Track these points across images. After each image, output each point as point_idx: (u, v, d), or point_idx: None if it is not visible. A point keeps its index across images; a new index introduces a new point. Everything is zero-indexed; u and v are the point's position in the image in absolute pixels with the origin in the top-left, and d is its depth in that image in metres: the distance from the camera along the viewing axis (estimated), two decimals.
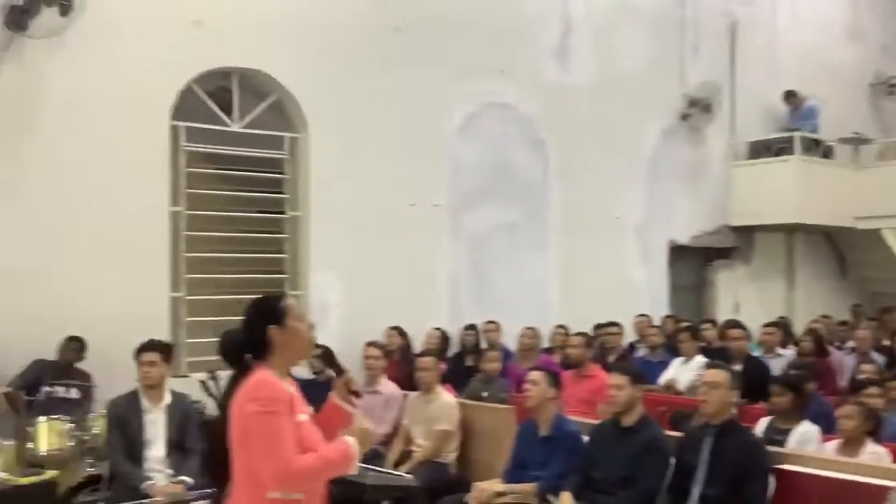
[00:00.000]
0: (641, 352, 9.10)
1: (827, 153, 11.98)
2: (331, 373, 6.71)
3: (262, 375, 2.79)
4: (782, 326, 9.54)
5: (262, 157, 8.19)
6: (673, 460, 4.58)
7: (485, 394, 7.25)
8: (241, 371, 2.84)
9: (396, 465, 5.98)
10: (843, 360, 8.60)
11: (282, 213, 8.31)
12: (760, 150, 11.84)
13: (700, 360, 7.54)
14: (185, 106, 7.62)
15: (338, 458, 2.83)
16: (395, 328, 8.35)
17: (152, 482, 4.91)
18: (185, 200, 7.62)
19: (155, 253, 7.31)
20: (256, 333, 2.84)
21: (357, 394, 3.15)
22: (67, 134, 6.87)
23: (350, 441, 2.87)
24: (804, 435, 4.99)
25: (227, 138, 7.94)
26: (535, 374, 5.24)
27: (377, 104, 8.58)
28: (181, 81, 7.52)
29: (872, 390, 5.40)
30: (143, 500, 4.62)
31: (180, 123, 7.58)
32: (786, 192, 11.31)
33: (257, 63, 7.93)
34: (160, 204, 7.38)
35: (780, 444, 4.88)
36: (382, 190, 8.63)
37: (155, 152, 7.33)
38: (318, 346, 6.04)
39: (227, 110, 7.97)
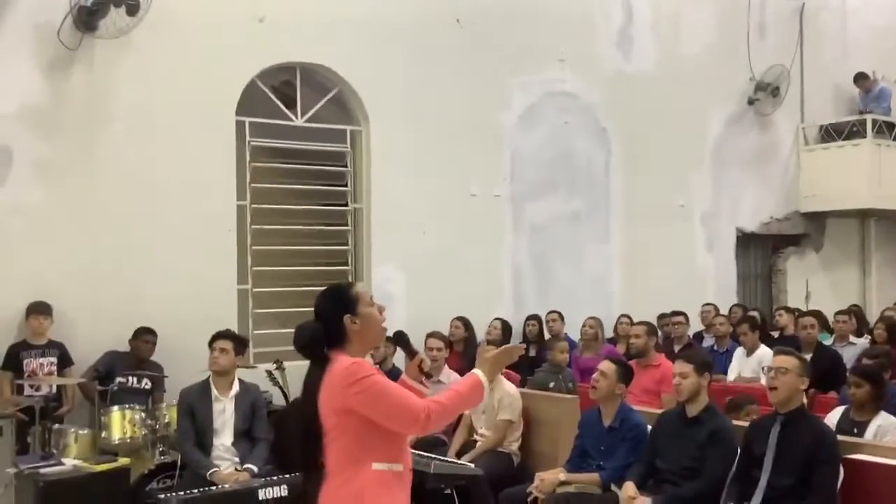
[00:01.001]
0: (707, 342, 8.96)
1: None
2: (391, 361, 6.85)
3: (348, 360, 2.89)
4: (855, 314, 9.30)
5: (324, 151, 8.30)
6: (739, 450, 4.50)
7: (552, 384, 7.23)
8: (321, 363, 2.90)
9: (459, 455, 5.99)
10: None
11: (344, 205, 8.39)
12: (831, 134, 11.52)
13: (763, 351, 7.40)
14: (250, 101, 7.74)
15: (469, 390, 2.96)
16: (460, 319, 8.37)
17: (218, 469, 5.02)
18: (251, 194, 7.76)
19: (223, 246, 7.44)
20: (332, 324, 2.92)
21: (429, 374, 3.22)
22: (136, 132, 7.05)
23: (478, 373, 3.00)
24: (882, 427, 4.83)
25: (290, 132, 8.05)
26: (607, 365, 5.15)
27: (437, 96, 8.60)
28: (245, 77, 7.64)
29: None
30: (209, 487, 4.72)
31: (245, 119, 7.71)
32: (858, 177, 11.02)
33: (319, 57, 8.02)
34: (228, 198, 7.52)
35: (858, 436, 4.74)
36: (443, 181, 8.65)
37: (221, 148, 7.47)
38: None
39: (291, 105, 8.08)
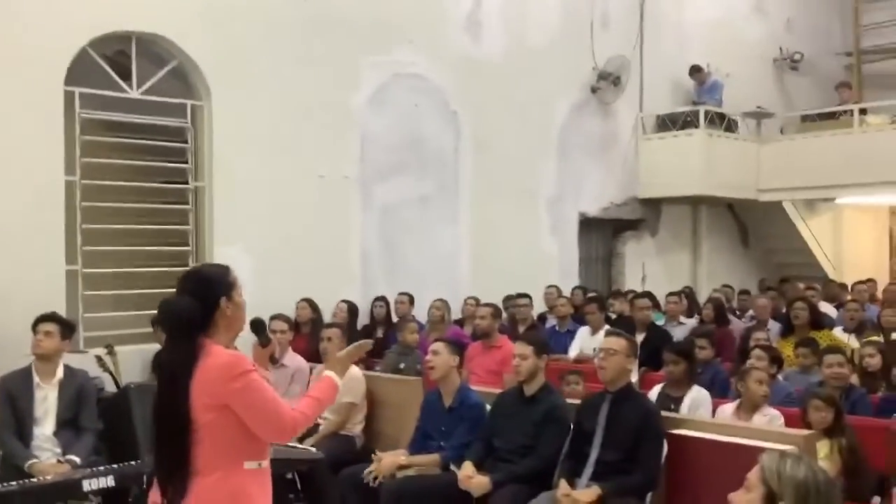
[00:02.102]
0: (550, 322, 9.23)
1: (731, 127, 12.27)
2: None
3: (227, 353, 2.80)
4: (686, 296, 9.83)
5: (162, 126, 7.92)
6: (572, 427, 4.65)
7: (402, 365, 7.26)
8: (192, 349, 2.76)
9: (302, 439, 5.91)
10: (742, 329, 8.86)
11: (185, 183, 8.07)
12: (667, 123, 12.05)
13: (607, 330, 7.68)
14: (81, 71, 7.30)
15: (326, 394, 3.01)
16: (306, 300, 8.23)
17: (37, 460, 4.76)
18: (81, 169, 7.33)
19: (49, 224, 7.00)
20: (207, 305, 2.80)
21: (274, 360, 3.29)
22: None
23: (330, 374, 3.04)
24: (695, 400, 5.14)
25: (125, 105, 7.63)
26: (437, 345, 5.24)
27: (284, 72, 8.39)
28: (76, 45, 7.18)
29: (759, 353, 5.62)
30: (28, 479, 4.44)
31: (75, 89, 7.27)
32: (691, 165, 11.56)
33: (157, 27, 7.64)
34: (55, 173, 7.07)
35: (675, 410, 5.01)
36: (290, 161, 8.46)
37: (48, 118, 6.99)
38: None
39: (126, 76, 7.67)
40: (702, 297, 10.68)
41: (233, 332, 2.93)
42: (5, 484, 4.30)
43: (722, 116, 12.10)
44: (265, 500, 2.88)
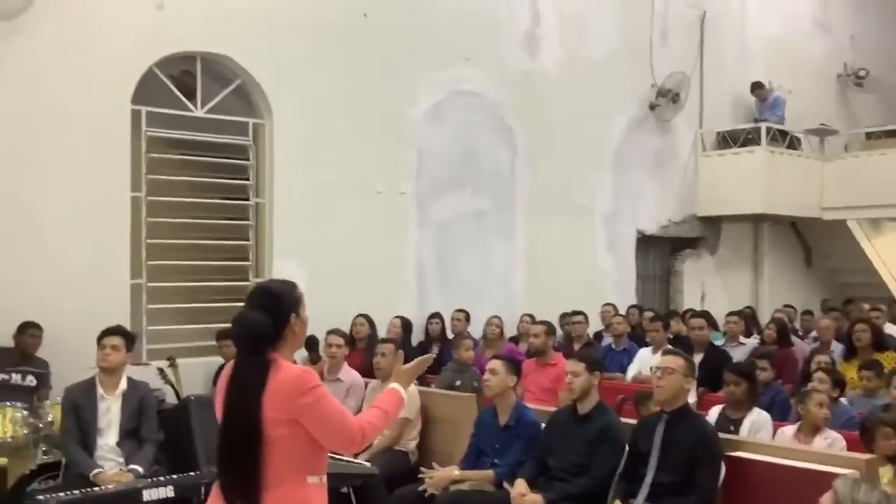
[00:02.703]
0: (606, 340, 9.14)
1: (794, 144, 12.07)
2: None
3: (297, 368, 2.88)
4: (746, 316, 9.64)
5: (225, 143, 8.12)
6: (627, 447, 4.60)
7: (458, 383, 7.24)
8: (263, 362, 2.81)
9: (357, 454, 5.94)
10: (805, 350, 8.67)
11: (245, 199, 8.23)
12: (728, 140, 11.90)
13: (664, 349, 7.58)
14: (147, 90, 7.52)
15: (393, 406, 3.04)
16: (363, 316, 8.27)
17: (102, 470, 4.86)
18: (147, 186, 7.53)
19: (116, 239, 7.22)
20: (279, 321, 2.84)
21: (321, 377, 3.19)
22: (27, 118, 6.78)
23: (397, 387, 3.07)
24: (755, 423, 5.04)
25: (189, 123, 7.86)
26: (495, 363, 5.22)
27: (343, 90, 8.53)
28: (143, 65, 7.42)
29: (821, 376, 5.48)
30: (92, 488, 4.55)
31: (142, 108, 7.49)
32: (753, 182, 11.40)
33: (220, 47, 7.85)
34: (121, 189, 7.29)
35: (734, 433, 4.92)
36: (348, 177, 8.58)
37: (116, 137, 7.24)
38: None
39: (191, 95, 7.88)
40: (763, 317, 10.49)
41: (296, 347, 2.98)
42: (68, 493, 4.43)
43: (784, 133, 11.91)
44: None
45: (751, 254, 12.64)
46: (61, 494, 4.39)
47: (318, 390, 2.80)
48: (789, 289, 12.49)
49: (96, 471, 4.84)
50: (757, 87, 12.21)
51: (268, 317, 2.84)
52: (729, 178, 11.54)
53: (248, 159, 8.23)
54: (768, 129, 11.58)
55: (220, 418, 2.87)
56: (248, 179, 8.24)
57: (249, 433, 2.76)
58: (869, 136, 12.77)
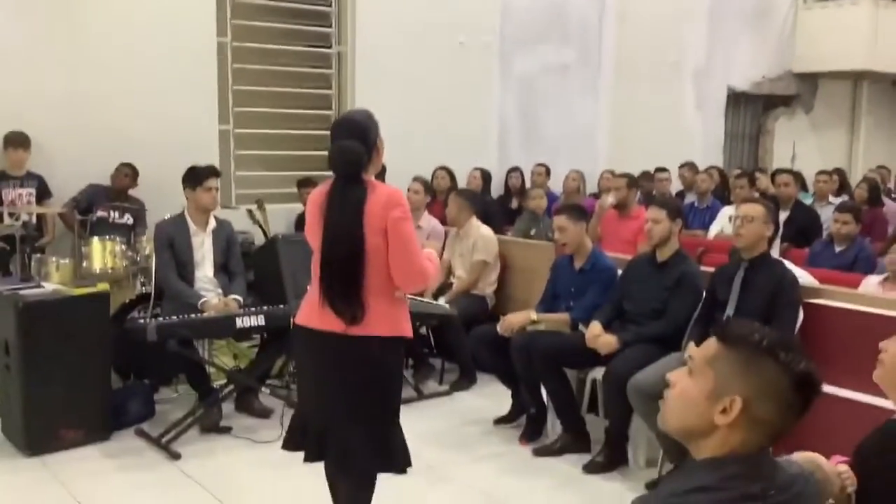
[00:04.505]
0: (689, 199, 9.01)
1: None
2: None
3: (390, 187, 3.13)
4: (837, 175, 9.34)
5: None
6: (704, 294, 4.60)
7: (532, 231, 7.31)
8: (360, 183, 3.06)
9: (436, 297, 6.12)
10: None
11: (328, 47, 8.21)
12: None
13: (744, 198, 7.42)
14: None
15: (433, 267, 3.27)
16: (444, 168, 8.31)
17: (207, 298, 5.12)
18: (232, 31, 7.56)
19: (204, 85, 7.32)
20: (370, 146, 3.09)
21: None
22: None
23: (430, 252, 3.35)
24: None
25: None
26: (558, 219, 5.09)
27: None
28: None
29: None
30: (188, 315, 4.81)
31: None
32: (854, 37, 10.79)
33: None
34: (208, 35, 7.33)
35: None
36: (431, 27, 8.44)
37: None
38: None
39: None
40: (858, 180, 10.14)
41: (377, 169, 3.21)
42: (168, 318, 4.70)
43: None
44: (410, 329, 3.21)
45: (848, 113, 12.12)
46: (160, 319, 4.67)
47: (406, 209, 3.06)
48: (886, 152, 11.99)
49: (204, 299, 5.10)
50: None
51: (361, 144, 3.06)
52: (830, 31, 10.94)
53: (330, 6, 8.14)
54: None
55: (322, 237, 3.09)
56: (330, 27, 8.18)
57: (353, 246, 3.01)
58: None
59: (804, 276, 4.74)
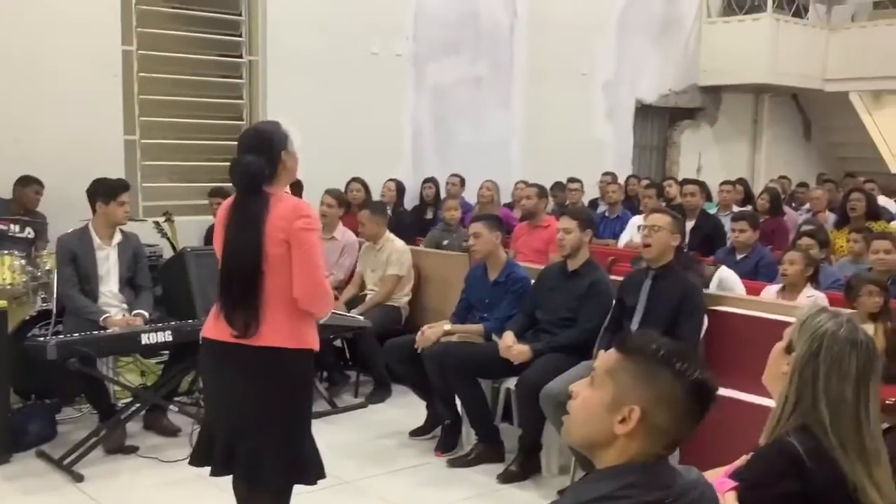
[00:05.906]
0: (601, 209, 9.19)
1: (800, 12, 11.78)
2: None
3: (295, 199, 3.09)
4: (741, 185, 9.66)
5: None
6: (614, 302, 4.69)
7: (445, 242, 7.33)
8: (261, 197, 3.01)
9: (350, 308, 6.08)
10: (797, 220, 8.73)
11: (238, 56, 8.08)
12: (733, 7, 11.62)
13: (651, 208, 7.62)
14: None
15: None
16: (358, 181, 8.22)
17: (110, 314, 4.96)
18: (138, 39, 7.38)
19: (108, 94, 7.12)
20: (271, 158, 3.04)
21: None
22: None
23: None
24: (724, 280, 5.22)
25: None
26: (475, 226, 5.15)
27: None
28: None
29: (807, 241, 5.56)
30: (90, 332, 4.65)
31: None
32: (756, 51, 11.20)
33: None
34: (112, 42, 7.14)
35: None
36: (343, 36, 8.40)
37: None
38: None
39: None
40: (760, 190, 10.49)
41: (289, 181, 3.17)
42: (68, 335, 4.54)
43: (791, 0, 11.60)
44: (317, 342, 3.16)
45: (750, 126, 12.56)
46: (61, 336, 4.51)
47: (312, 221, 3.02)
48: (787, 162, 12.46)
49: (106, 315, 4.94)
50: None
51: (261, 157, 3.03)
52: (732, 46, 11.33)
53: (240, 14, 8.02)
54: None
55: (222, 250, 3.08)
56: (240, 36, 8.06)
57: (252, 258, 2.97)
58: (877, 4, 12.46)
59: (738, 283, 4.96)
